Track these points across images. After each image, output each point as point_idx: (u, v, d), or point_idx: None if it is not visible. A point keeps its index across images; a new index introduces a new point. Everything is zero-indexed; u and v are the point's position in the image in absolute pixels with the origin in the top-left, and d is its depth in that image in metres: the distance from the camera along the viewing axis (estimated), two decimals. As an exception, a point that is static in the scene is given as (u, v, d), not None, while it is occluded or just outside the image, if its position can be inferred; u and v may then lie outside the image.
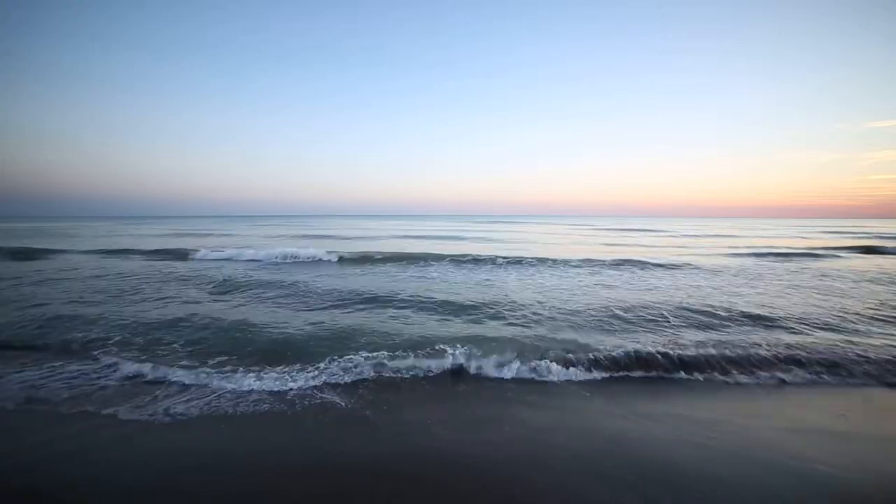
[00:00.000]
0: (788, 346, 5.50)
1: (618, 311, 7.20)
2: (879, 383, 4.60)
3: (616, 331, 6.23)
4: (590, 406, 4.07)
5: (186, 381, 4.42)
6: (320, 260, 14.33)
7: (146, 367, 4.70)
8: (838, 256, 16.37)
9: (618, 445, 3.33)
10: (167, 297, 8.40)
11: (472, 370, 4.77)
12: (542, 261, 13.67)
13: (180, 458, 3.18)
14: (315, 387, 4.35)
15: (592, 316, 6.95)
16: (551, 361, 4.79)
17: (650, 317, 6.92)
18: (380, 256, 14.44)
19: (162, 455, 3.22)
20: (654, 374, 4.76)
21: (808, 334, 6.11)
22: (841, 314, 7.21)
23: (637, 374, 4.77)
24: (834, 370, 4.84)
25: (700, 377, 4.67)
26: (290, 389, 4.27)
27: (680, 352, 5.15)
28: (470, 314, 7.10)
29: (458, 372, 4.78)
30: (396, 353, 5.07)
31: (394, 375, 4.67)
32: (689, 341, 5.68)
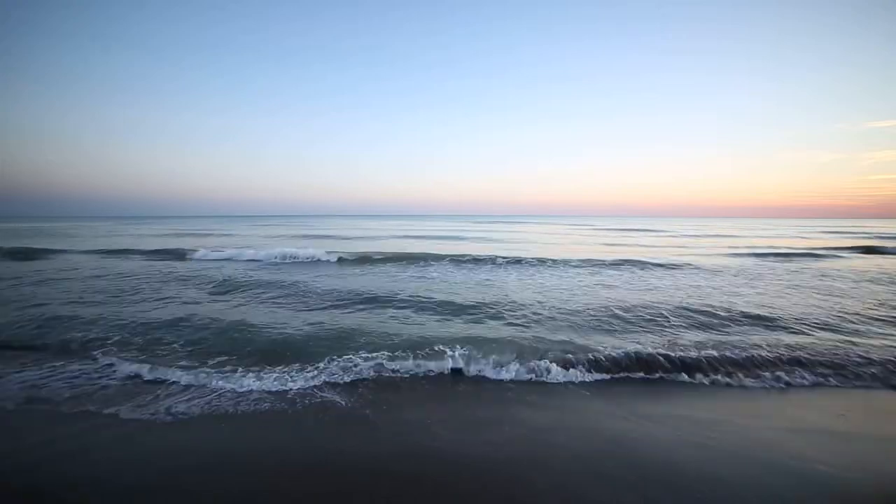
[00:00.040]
0: (788, 346, 5.50)
1: (618, 312, 7.20)
2: (880, 384, 4.60)
3: (616, 331, 6.23)
4: (590, 406, 4.08)
5: (186, 381, 4.42)
6: (320, 260, 14.34)
7: (146, 367, 4.70)
8: (838, 256, 16.37)
9: (618, 446, 3.33)
10: (167, 297, 8.41)
11: (472, 371, 4.77)
12: (542, 261, 13.68)
13: (181, 457, 3.18)
14: (315, 386, 4.35)
15: (592, 316, 6.95)
16: (551, 362, 4.79)
17: (650, 317, 6.92)
18: (380, 256, 14.44)
19: (163, 454, 3.22)
20: (654, 375, 4.74)
21: (808, 335, 6.11)
22: (841, 314, 7.21)
23: (637, 375, 4.76)
24: (834, 371, 4.84)
25: (700, 378, 4.66)
26: (290, 389, 4.28)
27: (681, 353, 5.15)
28: (470, 314, 7.10)
29: (457, 373, 4.78)
30: (396, 353, 5.07)
31: (393, 375, 4.68)
32: (689, 342, 5.68)
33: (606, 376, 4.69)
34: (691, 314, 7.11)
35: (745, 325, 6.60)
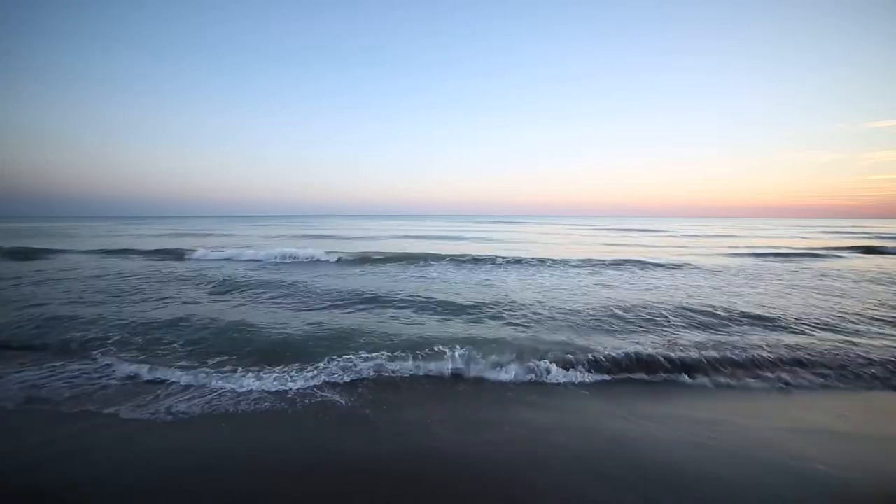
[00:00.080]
0: (788, 346, 5.51)
1: (618, 312, 7.20)
2: (881, 385, 4.60)
3: (616, 331, 6.23)
4: (590, 406, 4.08)
5: (186, 381, 4.42)
6: (319, 260, 14.33)
7: (146, 367, 4.70)
8: (838, 256, 16.37)
9: (618, 446, 3.33)
10: (167, 298, 8.41)
11: (472, 372, 4.75)
12: (541, 261, 13.67)
13: (181, 457, 3.18)
14: (315, 386, 4.35)
15: (592, 316, 6.95)
16: (551, 363, 4.77)
17: (650, 317, 6.93)
18: (379, 256, 14.44)
19: (163, 454, 3.22)
20: (655, 377, 4.71)
21: (808, 335, 6.11)
22: (841, 315, 7.21)
23: (637, 376, 4.73)
24: (834, 371, 4.84)
25: (701, 379, 4.65)
26: (290, 389, 4.28)
27: (682, 354, 5.15)
28: (470, 314, 7.10)
29: (457, 373, 4.77)
30: (396, 353, 5.07)
31: (393, 375, 4.68)
32: (689, 342, 5.68)
33: (607, 377, 4.67)
34: (691, 314, 7.11)
35: (745, 325, 6.60)
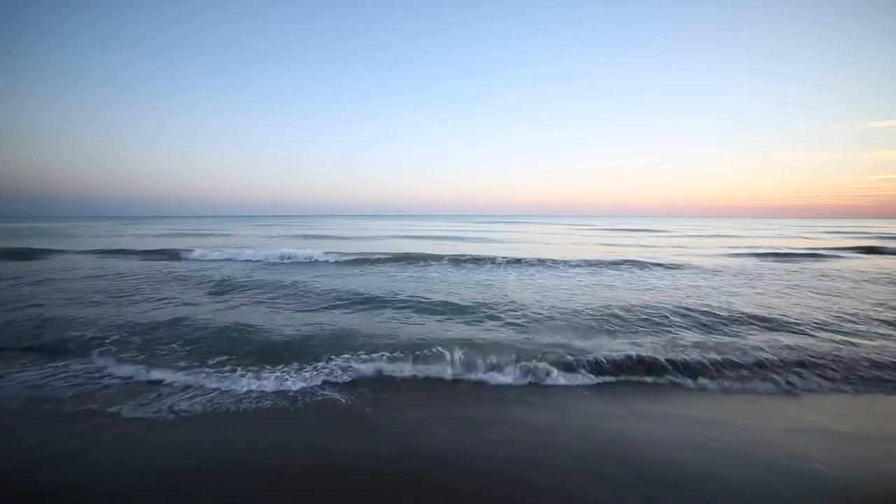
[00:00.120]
0: (788, 347, 5.51)
1: (617, 312, 7.20)
2: (881, 385, 4.60)
3: (616, 332, 6.23)
4: (590, 406, 4.08)
5: (185, 382, 4.42)
6: (319, 260, 14.32)
7: (145, 368, 4.71)
8: (839, 257, 16.37)
9: (618, 446, 3.33)
10: (166, 298, 8.41)
11: (471, 374, 4.71)
12: (541, 261, 13.67)
13: (181, 457, 3.18)
14: (314, 386, 4.35)
15: (592, 317, 6.95)
16: (550, 365, 4.75)
17: (650, 317, 6.92)
18: (379, 257, 14.43)
19: (163, 454, 3.22)
20: (653, 379, 4.67)
21: (808, 335, 6.11)
22: (841, 315, 7.21)
23: (637, 378, 4.68)
24: (834, 372, 4.84)
25: (700, 380, 4.63)
26: (290, 389, 4.28)
27: (682, 356, 5.15)
28: (469, 315, 7.10)
29: (457, 375, 4.74)
30: (395, 354, 5.06)
31: (393, 376, 4.67)
32: (689, 342, 5.68)
33: (607, 379, 4.64)
34: (691, 314, 7.11)
35: (745, 325, 6.60)
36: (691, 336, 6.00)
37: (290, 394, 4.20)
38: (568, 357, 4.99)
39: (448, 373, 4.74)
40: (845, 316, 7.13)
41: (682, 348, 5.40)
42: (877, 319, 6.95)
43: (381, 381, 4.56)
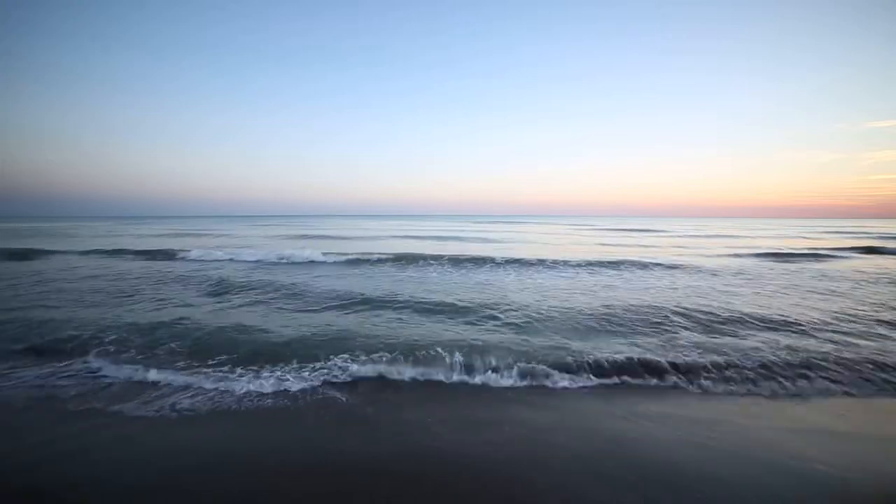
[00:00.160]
0: (788, 347, 5.51)
1: (618, 313, 7.20)
2: (881, 385, 4.60)
3: (616, 332, 6.23)
4: (590, 406, 4.07)
5: (185, 382, 4.42)
6: (318, 261, 14.31)
7: (144, 368, 4.70)
8: (839, 257, 16.37)
9: (618, 446, 3.33)
10: (165, 298, 8.40)
11: (471, 376, 4.66)
12: (541, 261, 13.66)
13: (181, 457, 3.18)
14: (314, 387, 4.35)
15: (592, 317, 6.95)
16: (550, 367, 4.73)
17: (650, 318, 6.92)
18: (379, 257, 14.44)
19: (163, 454, 3.22)
20: (654, 381, 4.62)
21: (808, 336, 6.11)
22: (842, 315, 7.21)
23: (638, 381, 4.62)
24: (834, 372, 4.83)
25: (700, 381, 4.61)
26: (290, 389, 4.28)
27: (683, 356, 5.15)
28: (469, 315, 7.10)
29: (456, 378, 4.69)
30: (395, 355, 5.05)
31: (393, 377, 4.66)
32: (689, 343, 5.68)
33: (607, 381, 4.60)
34: (691, 315, 7.11)
35: (745, 326, 6.59)
36: (691, 336, 5.99)
37: (290, 394, 4.20)
38: (568, 358, 4.98)
39: (447, 376, 4.67)
40: (845, 316, 7.12)
41: (682, 349, 5.41)
42: (877, 320, 6.95)
43: (380, 382, 4.56)
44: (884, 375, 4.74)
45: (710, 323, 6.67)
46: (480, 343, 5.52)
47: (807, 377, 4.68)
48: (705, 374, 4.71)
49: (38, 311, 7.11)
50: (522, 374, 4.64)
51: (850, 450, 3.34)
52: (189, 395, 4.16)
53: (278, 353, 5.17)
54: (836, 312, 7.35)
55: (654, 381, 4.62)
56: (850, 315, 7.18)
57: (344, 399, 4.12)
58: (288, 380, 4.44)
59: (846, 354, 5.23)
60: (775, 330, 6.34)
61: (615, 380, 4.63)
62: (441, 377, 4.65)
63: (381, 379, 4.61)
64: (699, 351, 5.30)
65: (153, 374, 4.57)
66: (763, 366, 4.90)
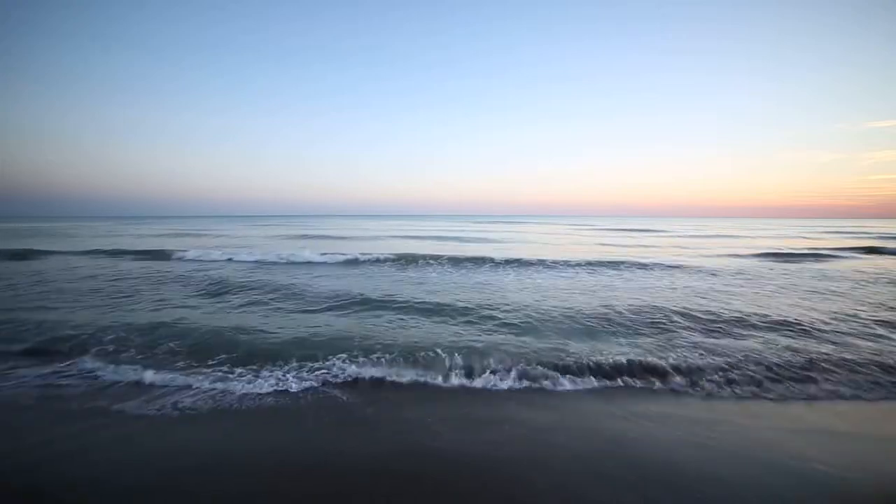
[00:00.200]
0: (788, 348, 5.51)
1: (617, 313, 7.20)
2: (882, 385, 4.59)
3: (617, 333, 6.22)
4: (590, 406, 4.07)
5: (184, 382, 4.42)
6: (318, 261, 14.31)
7: (143, 369, 4.69)
8: (839, 257, 16.37)
9: (618, 446, 3.33)
10: (163, 299, 8.40)
11: (470, 381, 4.57)
12: (541, 261, 13.67)
13: (180, 458, 3.18)
14: (314, 387, 4.35)
15: (592, 318, 6.95)
16: (550, 369, 4.71)
17: (650, 318, 6.92)
18: (378, 257, 14.44)
19: (162, 455, 3.22)
20: (654, 382, 4.57)
21: (808, 336, 6.11)
22: (842, 316, 7.21)
23: (638, 383, 4.55)
24: (834, 372, 4.83)
25: (700, 381, 4.59)
26: (289, 389, 4.28)
27: (683, 357, 5.15)
28: (468, 316, 7.09)
29: (455, 380, 4.63)
30: (395, 355, 5.05)
31: (392, 378, 4.65)
32: (690, 343, 5.69)
33: (608, 383, 4.55)
34: (691, 315, 7.10)
35: (744, 326, 6.59)
36: (691, 337, 5.99)
37: (290, 394, 4.20)
38: (568, 360, 4.97)
39: (445, 380, 4.58)
40: (846, 317, 7.12)
41: (682, 349, 5.41)
42: (877, 320, 6.94)
43: (380, 382, 4.55)
44: (885, 377, 4.73)
45: (711, 323, 6.67)
46: (480, 345, 5.51)
47: (807, 378, 4.68)
48: (705, 375, 4.70)
49: (38, 312, 7.11)
50: (521, 377, 4.60)
51: (850, 450, 3.34)
52: (188, 395, 4.15)
53: (278, 353, 5.16)
54: (836, 312, 7.35)
55: (654, 383, 4.60)
56: (850, 315, 7.18)
57: (343, 399, 4.12)
58: (287, 380, 4.44)
59: (846, 355, 5.23)
60: (775, 330, 6.33)
61: (615, 382, 4.57)
62: (440, 380, 4.57)
63: (380, 379, 4.61)
64: (699, 351, 5.30)
65: (152, 375, 4.56)
66: (763, 366, 4.90)
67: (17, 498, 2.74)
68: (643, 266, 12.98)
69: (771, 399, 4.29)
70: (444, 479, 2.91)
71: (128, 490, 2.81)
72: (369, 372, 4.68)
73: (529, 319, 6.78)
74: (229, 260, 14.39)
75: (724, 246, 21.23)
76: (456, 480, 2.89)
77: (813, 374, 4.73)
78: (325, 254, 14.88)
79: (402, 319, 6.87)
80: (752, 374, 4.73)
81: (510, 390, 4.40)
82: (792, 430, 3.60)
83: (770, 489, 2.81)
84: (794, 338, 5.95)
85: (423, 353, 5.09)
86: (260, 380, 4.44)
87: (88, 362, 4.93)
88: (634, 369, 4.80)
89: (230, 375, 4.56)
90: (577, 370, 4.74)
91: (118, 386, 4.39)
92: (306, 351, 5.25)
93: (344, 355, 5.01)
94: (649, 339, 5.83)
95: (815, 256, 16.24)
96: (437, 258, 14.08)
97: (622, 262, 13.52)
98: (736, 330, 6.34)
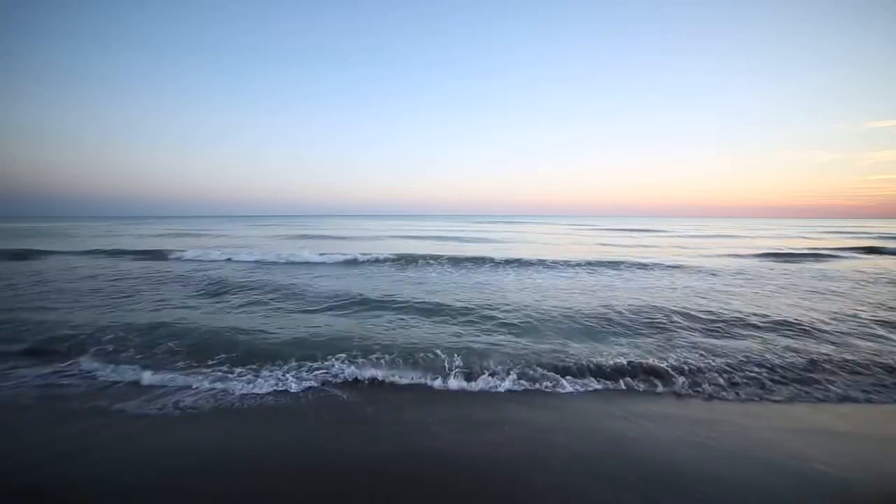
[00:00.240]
0: (789, 348, 5.51)
1: (617, 313, 7.20)
2: (882, 385, 4.59)
3: (617, 334, 6.23)
4: (590, 407, 4.07)
5: (184, 382, 4.42)
6: (317, 261, 14.31)
7: (143, 369, 4.70)
8: (839, 257, 16.37)
9: (618, 446, 3.33)
10: (164, 299, 8.41)
11: (468, 382, 4.53)
12: (541, 261, 13.67)
13: (181, 457, 3.18)
14: (314, 387, 4.35)
15: (592, 318, 6.95)
16: (550, 370, 4.69)
17: (650, 318, 6.93)
18: (378, 257, 14.44)
19: (163, 454, 3.22)
20: (655, 383, 4.55)
21: (808, 337, 6.11)
22: (842, 316, 7.21)
23: (638, 384, 4.53)
24: (834, 372, 4.84)
25: (700, 382, 4.59)
26: (289, 389, 4.28)
27: (683, 358, 5.15)
28: (468, 316, 7.10)
29: (455, 381, 4.59)
30: (394, 356, 5.05)
31: (392, 379, 4.65)
32: (690, 344, 5.69)
33: (608, 384, 4.52)
34: (691, 315, 7.11)
35: (744, 326, 6.60)
36: (691, 337, 6.00)
37: (290, 394, 4.20)
38: (568, 361, 4.97)
39: (444, 382, 4.52)
40: (845, 317, 7.13)
41: (682, 349, 5.41)
42: (877, 321, 6.95)
43: (380, 382, 4.55)
44: (890, 378, 4.73)
45: (711, 324, 6.67)
46: (480, 345, 5.51)
47: (807, 378, 4.68)
48: (705, 376, 4.70)
49: (38, 312, 7.11)
50: (521, 378, 4.57)
51: (850, 450, 3.34)
52: (188, 395, 4.16)
53: (277, 353, 5.16)
54: (836, 313, 7.35)
55: (654, 384, 4.59)
56: (850, 315, 7.18)
57: (343, 399, 4.12)
58: (287, 380, 4.44)
59: (846, 355, 5.23)
60: (775, 330, 6.34)
61: (616, 384, 4.54)
62: (439, 381, 4.53)
63: (380, 380, 4.60)
64: (699, 352, 5.30)
65: (152, 375, 4.56)
66: (763, 366, 4.91)
67: (17, 498, 2.74)
68: (643, 266, 12.99)
69: (771, 399, 4.29)
70: (444, 479, 2.91)
71: (129, 489, 2.81)
72: (369, 372, 4.68)
73: (529, 319, 6.78)
74: (229, 260, 14.39)
75: (724, 246, 21.24)
76: (456, 481, 2.89)
77: (813, 375, 4.74)
78: (324, 254, 14.88)
79: (401, 319, 6.87)
80: (752, 374, 4.73)
81: (510, 391, 4.40)
82: (792, 431, 3.60)
83: (770, 489, 2.81)
84: (794, 338, 5.95)
85: (422, 354, 5.09)
86: (260, 380, 4.44)
87: (88, 362, 4.93)
88: (634, 370, 4.79)
89: (230, 375, 4.57)
90: (577, 371, 4.74)
91: (118, 386, 4.39)
92: (306, 351, 5.25)
93: (343, 355, 5.01)
94: (649, 340, 5.84)
95: (815, 256, 16.24)
96: (436, 258, 14.08)
97: (622, 262, 13.53)
98: (736, 330, 6.34)
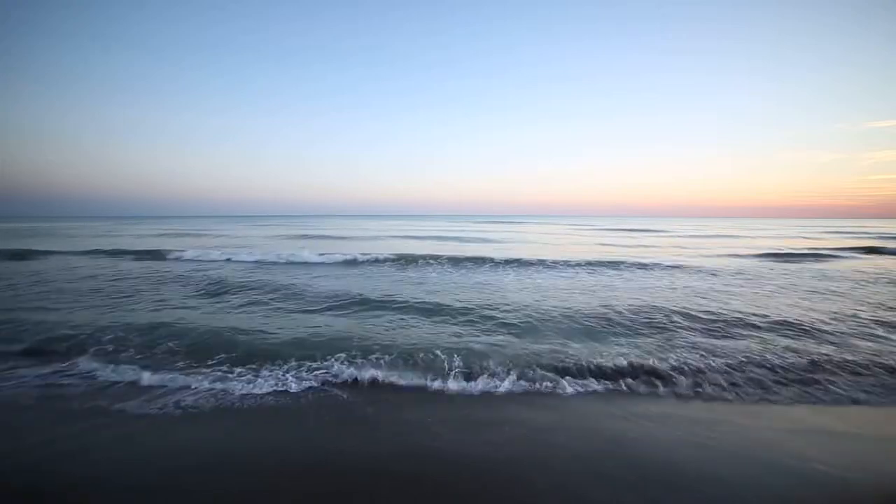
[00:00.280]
0: (789, 348, 5.51)
1: (617, 313, 7.20)
2: (881, 385, 4.59)
3: (616, 334, 6.23)
4: (590, 407, 4.07)
5: (184, 382, 4.41)
6: (317, 261, 14.31)
7: (143, 369, 4.70)
8: (839, 257, 16.37)
9: (618, 446, 3.33)
10: (164, 299, 8.41)
11: (468, 383, 4.51)
12: (541, 261, 13.67)
13: (181, 457, 3.18)
14: (314, 387, 4.35)
15: (592, 318, 6.95)
16: (550, 371, 4.68)
17: (650, 319, 6.93)
18: (378, 257, 14.44)
19: (163, 454, 3.22)
20: (655, 384, 4.52)
21: (808, 337, 6.11)
22: (842, 316, 7.21)
23: (638, 384, 4.51)
24: (834, 372, 4.84)
25: (700, 382, 4.59)
26: (289, 389, 4.28)
27: (683, 359, 5.15)
28: (468, 316, 7.09)
29: (454, 383, 4.57)
30: (394, 357, 5.05)
31: (392, 379, 4.64)
32: (690, 344, 5.69)
33: (608, 385, 4.50)
34: (691, 316, 7.11)
35: (744, 327, 6.60)
36: (691, 337, 6.00)
37: (290, 394, 4.20)
38: (568, 361, 4.96)
39: (444, 383, 4.49)
40: (845, 317, 7.13)
41: (682, 350, 5.41)
42: (877, 321, 6.95)
43: (380, 382, 4.55)
44: (890, 379, 4.72)
45: (711, 324, 6.67)
46: (479, 346, 5.51)
47: (807, 378, 4.68)
48: (705, 376, 4.70)
49: (38, 312, 7.11)
50: (521, 379, 4.56)
51: (850, 450, 3.34)
52: (188, 395, 4.15)
53: (277, 353, 5.16)
54: (836, 313, 7.35)
55: (654, 384, 4.57)
56: (849, 316, 7.18)
57: (343, 399, 4.12)
58: (287, 380, 4.44)
59: (846, 356, 5.23)
60: (775, 330, 6.34)
61: (616, 385, 4.51)
62: (439, 381, 4.51)
63: (380, 380, 4.59)
64: (699, 352, 5.30)
65: (152, 375, 4.56)
66: (763, 367, 4.91)
67: (17, 498, 2.74)
68: (643, 266, 12.99)
69: (771, 399, 4.29)
70: (444, 479, 2.91)
71: (129, 489, 2.81)
72: (369, 372, 4.67)
73: (529, 320, 6.78)
74: (229, 260, 14.39)
75: (724, 246, 21.24)
76: (456, 481, 2.89)
77: (813, 375, 4.73)
78: (324, 254, 14.87)
79: (401, 320, 6.87)
80: (751, 374, 4.73)
81: (510, 392, 4.40)
82: (792, 431, 3.60)
83: (770, 489, 2.81)
84: (794, 338, 5.95)
85: (422, 355, 5.09)
86: (260, 380, 4.44)
87: (88, 362, 4.93)
88: (634, 371, 4.78)
89: (230, 375, 4.57)
90: (577, 371, 4.73)
91: (118, 386, 4.39)
92: (306, 351, 5.25)
93: (343, 356, 5.01)
94: (649, 340, 5.84)
95: (815, 256, 16.24)
96: (436, 258, 14.08)
97: (622, 262, 13.53)
98: (736, 330, 6.34)
